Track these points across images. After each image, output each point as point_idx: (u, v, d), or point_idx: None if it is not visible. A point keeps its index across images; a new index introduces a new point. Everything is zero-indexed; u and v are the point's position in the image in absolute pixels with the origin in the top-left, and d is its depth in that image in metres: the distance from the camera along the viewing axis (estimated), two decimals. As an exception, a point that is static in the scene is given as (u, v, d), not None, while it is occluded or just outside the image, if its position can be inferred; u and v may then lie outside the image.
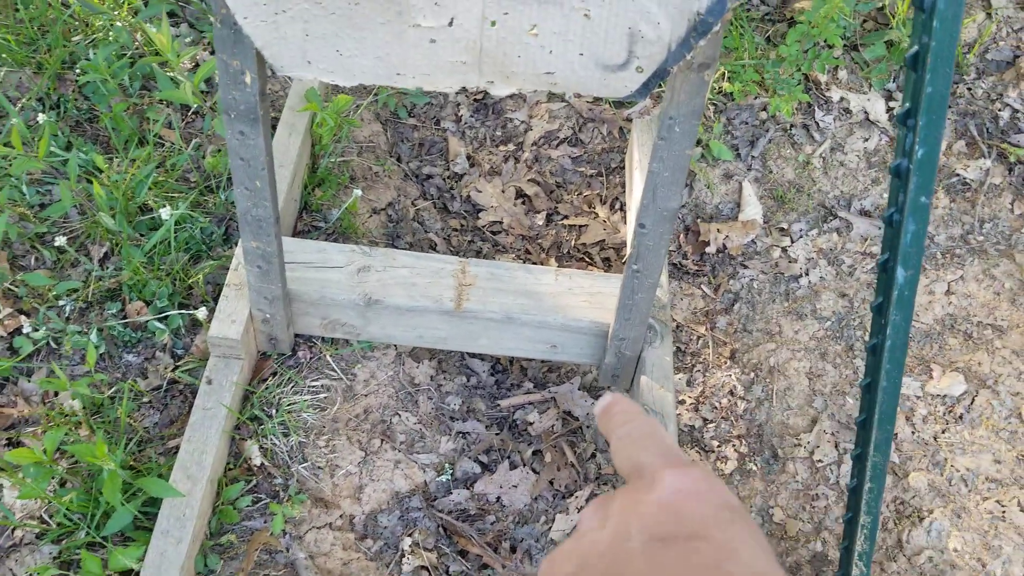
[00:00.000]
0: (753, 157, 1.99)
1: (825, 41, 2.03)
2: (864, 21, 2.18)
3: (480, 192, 2.03)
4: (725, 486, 0.44)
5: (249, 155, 1.28)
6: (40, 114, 1.69)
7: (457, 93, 2.16)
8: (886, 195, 1.99)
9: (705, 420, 1.74)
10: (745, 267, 1.89)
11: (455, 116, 2.14)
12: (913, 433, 1.75)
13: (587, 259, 1.94)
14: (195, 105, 1.82)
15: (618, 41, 1.16)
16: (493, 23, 1.15)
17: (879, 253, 1.91)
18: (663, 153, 1.29)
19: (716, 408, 1.75)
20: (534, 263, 1.91)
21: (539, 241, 1.97)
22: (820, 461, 1.71)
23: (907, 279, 1.26)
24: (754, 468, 1.70)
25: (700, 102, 1.23)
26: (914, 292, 1.27)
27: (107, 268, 1.62)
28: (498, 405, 1.75)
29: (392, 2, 1.10)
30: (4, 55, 1.82)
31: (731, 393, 1.77)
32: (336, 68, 1.16)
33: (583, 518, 0.45)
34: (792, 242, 1.92)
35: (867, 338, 1.84)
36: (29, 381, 1.52)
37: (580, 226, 1.98)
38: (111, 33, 1.86)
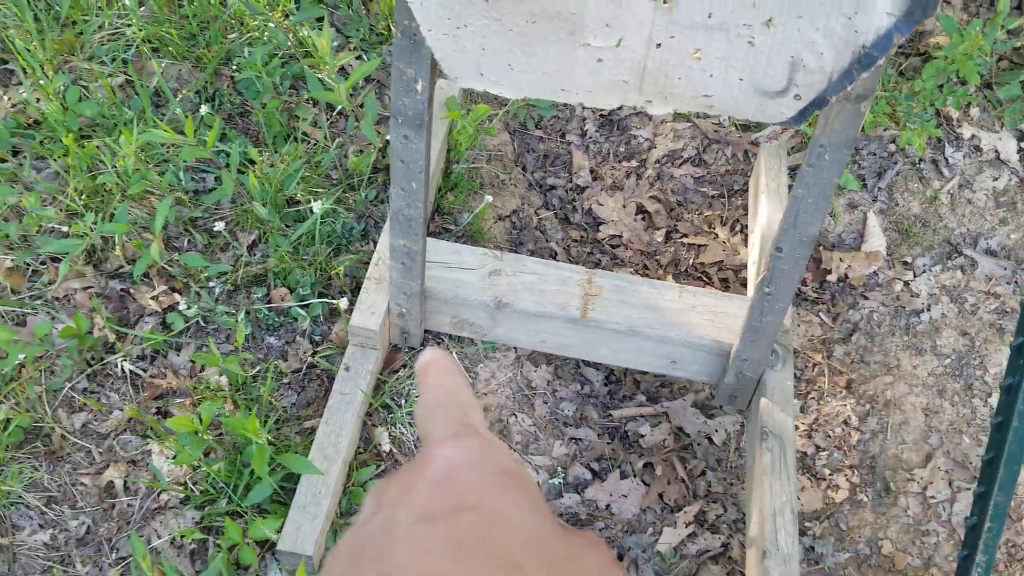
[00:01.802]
0: (880, 189, 1.99)
1: (959, 77, 2.02)
2: (999, 59, 2.15)
3: (601, 205, 2.08)
4: (506, 452, 0.41)
5: (410, 158, 1.35)
6: (202, 106, 1.80)
7: (583, 108, 2.21)
8: (1013, 235, 1.97)
9: (818, 448, 1.75)
10: (866, 298, 1.89)
11: (580, 130, 2.19)
12: (1031, 478, 1.72)
13: (704, 278, 1.96)
14: (340, 106, 1.91)
15: (779, 69, 1.19)
16: (658, 45, 1.19)
17: (1006, 292, 1.89)
18: (809, 180, 1.31)
19: (830, 437, 1.76)
20: (651, 279, 1.94)
21: (657, 257, 2.00)
22: (933, 498, 1.70)
23: (1051, 321, 1.26)
24: (865, 499, 1.70)
25: (853, 133, 1.25)
26: (1057, 335, 1.26)
27: (255, 254, 1.72)
28: (610, 415, 1.79)
29: (566, 22, 1.16)
30: (169, 48, 1.93)
31: (845, 423, 1.77)
32: (506, 81, 1.22)
33: (364, 505, 0.41)
34: (915, 276, 1.92)
35: (987, 378, 1.83)
36: (178, 355, 1.62)
37: (699, 245, 2.00)
38: (266, 33, 1.97)
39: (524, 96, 1.24)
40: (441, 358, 0.48)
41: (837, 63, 1.16)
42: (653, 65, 1.22)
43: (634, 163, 2.15)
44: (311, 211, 1.72)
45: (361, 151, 1.89)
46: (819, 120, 1.25)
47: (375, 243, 1.80)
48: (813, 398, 1.80)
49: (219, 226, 1.66)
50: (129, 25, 1.98)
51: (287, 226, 1.75)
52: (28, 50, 1.87)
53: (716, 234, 2.02)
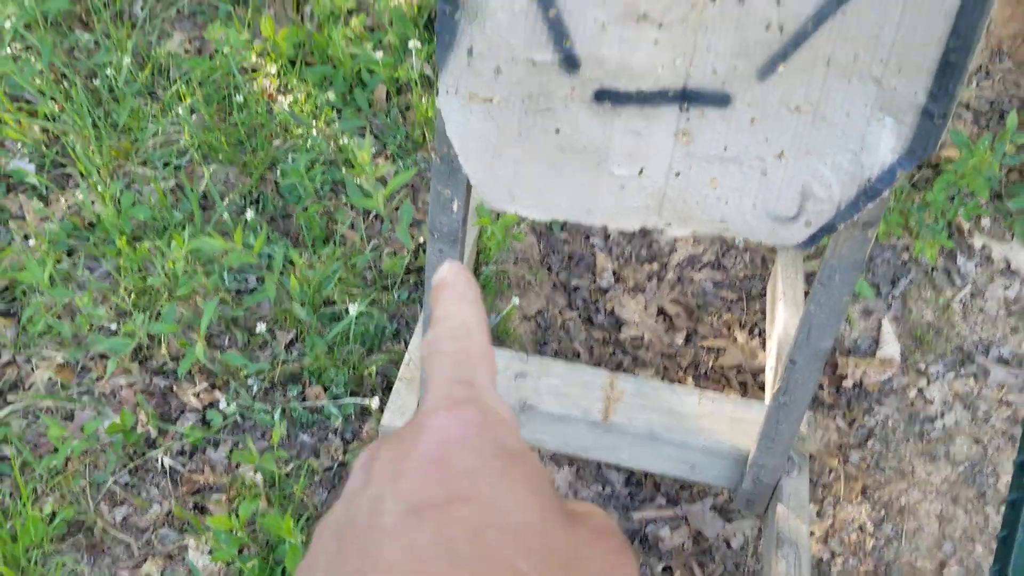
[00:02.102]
0: (894, 296, 2.06)
1: (970, 190, 2.10)
2: (1009, 171, 2.24)
3: (623, 307, 2.15)
4: (507, 424, 0.37)
5: (444, 271, 1.44)
6: (247, 209, 1.91)
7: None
8: (1026, 344, 2.02)
9: (834, 553, 1.77)
10: (881, 404, 1.94)
11: (604, 233, 2.28)
12: (1048, 589, 1.74)
13: (724, 381, 2.02)
14: (375, 210, 2.01)
15: (790, 198, 1.27)
16: (677, 174, 1.28)
17: (1019, 400, 1.93)
18: (821, 298, 1.38)
19: (844, 543, 1.79)
20: (672, 380, 2.01)
21: (678, 359, 2.07)
22: (950, 606, 1.72)
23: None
24: (882, 606, 1.72)
25: (862, 257, 1.33)
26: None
27: (292, 353, 1.80)
28: (631, 517, 1.83)
29: (592, 153, 1.25)
30: (218, 154, 2.06)
31: (860, 529, 1.80)
32: (535, 205, 1.31)
33: (352, 472, 0.37)
34: (929, 383, 1.96)
35: (999, 486, 1.86)
36: (216, 451, 1.69)
37: (718, 349, 2.07)
38: (309, 141, 2.09)
39: (553, 218, 1.33)
40: (457, 280, 0.42)
41: (844, 194, 1.24)
42: (672, 192, 1.31)
43: (655, 266, 2.23)
44: (347, 311, 1.81)
45: (395, 253, 1.99)
46: (829, 244, 1.33)
47: (406, 343, 1.88)
48: (829, 503, 1.83)
49: (260, 327, 1.75)
50: (181, 132, 2.11)
51: (323, 325, 1.84)
52: (87, 156, 2.00)
53: (735, 338, 2.08)
